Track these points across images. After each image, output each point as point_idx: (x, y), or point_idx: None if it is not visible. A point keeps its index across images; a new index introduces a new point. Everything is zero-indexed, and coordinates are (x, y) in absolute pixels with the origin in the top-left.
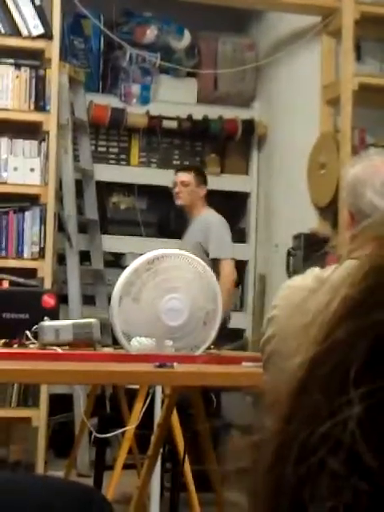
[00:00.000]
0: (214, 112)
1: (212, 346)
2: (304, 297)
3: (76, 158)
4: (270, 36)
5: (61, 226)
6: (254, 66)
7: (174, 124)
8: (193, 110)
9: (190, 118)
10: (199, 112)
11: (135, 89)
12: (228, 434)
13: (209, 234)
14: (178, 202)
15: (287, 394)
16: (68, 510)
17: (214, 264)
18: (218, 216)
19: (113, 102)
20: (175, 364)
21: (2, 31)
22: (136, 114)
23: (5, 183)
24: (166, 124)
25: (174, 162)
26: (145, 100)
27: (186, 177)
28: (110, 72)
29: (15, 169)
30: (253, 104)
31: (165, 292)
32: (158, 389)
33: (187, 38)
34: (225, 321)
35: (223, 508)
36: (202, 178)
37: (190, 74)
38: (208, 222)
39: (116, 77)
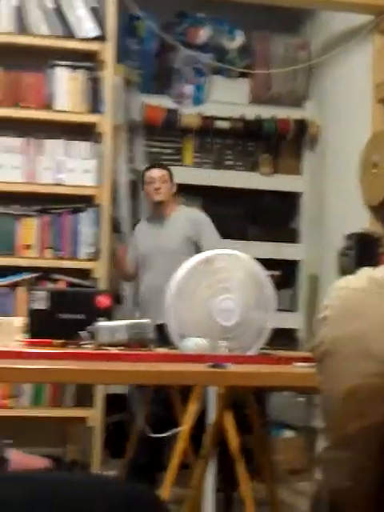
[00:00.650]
0: (266, 112)
1: (265, 346)
2: (358, 298)
3: (130, 159)
4: (322, 35)
5: (115, 227)
6: (306, 66)
7: (226, 124)
8: (245, 110)
9: (242, 118)
10: (252, 112)
11: (188, 90)
12: (279, 433)
13: (201, 229)
14: (158, 198)
15: None
16: (125, 510)
17: None
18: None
19: (166, 103)
20: (228, 364)
21: (58, 34)
22: (189, 114)
23: (60, 185)
24: (219, 124)
25: (227, 163)
26: (198, 101)
27: (162, 173)
28: (163, 73)
29: (70, 170)
30: (305, 103)
31: (218, 292)
32: (212, 389)
33: (240, 38)
34: None
35: (277, 508)
36: (172, 175)
37: (242, 75)
38: (198, 217)
39: (170, 78)
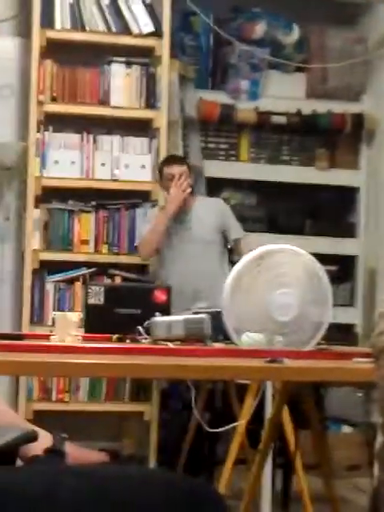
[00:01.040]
0: (322, 106)
1: (322, 342)
2: None
3: (186, 155)
4: (379, 29)
5: None
6: (363, 60)
7: (283, 119)
8: (302, 104)
9: (298, 112)
10: (308, 107)
11: (244, 85)
12: (337, 429)
13: (227, 216)
14: (187, 192)
15: None
16: (181, 505)
17: (236, 243)
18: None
19: (222, 98)
20: (286, 359)
21: (114, 30)
22: (245, 109)
23: (116, 180)
24: (275, 119)
25: (283, 158)
26: (254, 96)
27: (182, 169)
28: (219, 68)
29: (126, 166)
30: (362, 98)
31: (275, 287)
32: (269, 384)
33: (296, 32)
34: None
35: (336, 504)
36: (190, 168)
37: (298, 69)
38: (220, 205)
39: (225, 73)
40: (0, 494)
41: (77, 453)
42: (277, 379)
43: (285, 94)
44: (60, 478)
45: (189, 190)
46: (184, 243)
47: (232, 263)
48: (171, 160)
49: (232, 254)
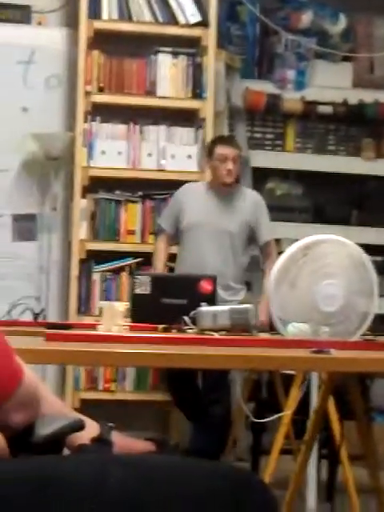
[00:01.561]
0: (369, 96)
1: (368, 332)
2: None
3: None
4: None
5: None
6: None
7: (329, 109)
8: (348, 94)
9: (345, 102)
10: (354, 96)
11: (291, 74)
12: (383, 420)
13: (261, 213)
14: (229, 180)
15: None
16: (227, 494)
17: (266, 245)
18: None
19: (268, 88)
20: (332, 350)
21: (160, 20)
22: (291, 99)
23: (163, 170)
24: (322, 109)
25: (330, 148)
26: (300, 85)
27: (235, 152)
28: (265, 58)
29: (173, 156)
30: None
31: (321, 278)
32: (315, 375)
33: (342, 21)
34: None
35: (382, 495)
36: (241, 154)
37: (345, 58)
38: (258, 201)
39: (271, 63)
40: (48, 483)
41: (123, 442)
42: (323, 370)
43: (331, 84)
44: (108, 467)
45: (230, 178)
46: (209, 230)
47: (262, 271)
48: (227, 141)
49: (261, 255)
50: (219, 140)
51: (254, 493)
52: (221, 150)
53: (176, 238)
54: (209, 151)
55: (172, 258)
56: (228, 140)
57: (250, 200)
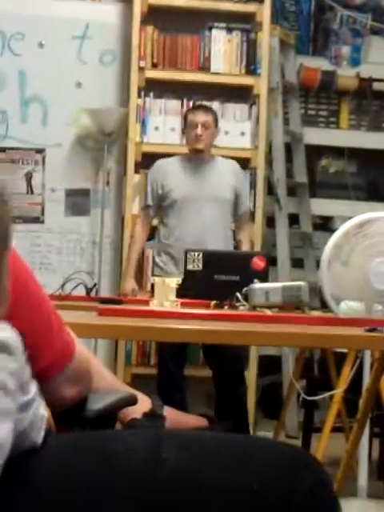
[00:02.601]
0: None
1: None
2: None
3: (286, 122)
4: None
5: (270, 190)
6: None
7: None
8: None
9: None
10: None
11: (345, 51)
12: None
13: (241, 182)
14: (199, 146)
15: None
16: (284, 471)
17: (243, 216)
18: None
19: (323, 64)
20: None
21: None
22: (346, 76)
23: (216, 147)
24: (377, 86)
25: None
26: (355, 62)
27: (206, 118)
28: (320, 34)
29: (226, 133)
30: None
31: (374, 256)
32: (367, 353)
33: None
34: None
35: None
36: (217, 120)
37: None
38: (237, 169)
39: (326, 39)
40: (109, 455)
41: (175, 417)
42: (376, 348)
43: None
44: (163, 442)
45: (200, 144)
46: (198, 201)
47: (237, 242)
48: (198, 107)
49: (235, 225)
50: (192, 108)
51: (308, 470)
52: (191, 116)
53: (159, 215)
54: (184, 121)
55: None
56: (199, 106)
57: (229, 167)
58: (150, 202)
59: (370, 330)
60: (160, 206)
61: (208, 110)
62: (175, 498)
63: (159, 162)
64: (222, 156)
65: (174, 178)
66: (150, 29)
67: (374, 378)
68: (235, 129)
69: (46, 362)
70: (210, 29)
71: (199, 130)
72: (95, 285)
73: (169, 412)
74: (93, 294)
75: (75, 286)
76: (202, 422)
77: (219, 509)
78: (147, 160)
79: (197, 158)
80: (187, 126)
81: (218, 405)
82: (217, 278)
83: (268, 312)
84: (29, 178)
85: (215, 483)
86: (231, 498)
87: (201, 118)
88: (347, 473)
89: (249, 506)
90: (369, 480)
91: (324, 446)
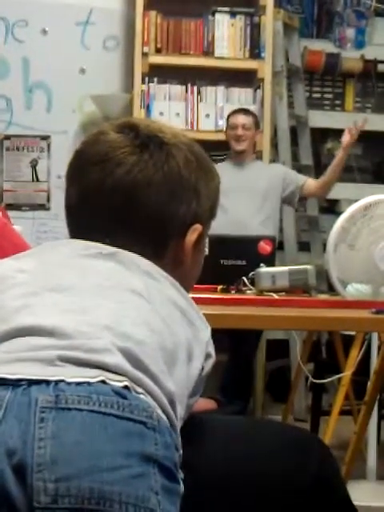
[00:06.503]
0: None
1: None
2: None
3: (290, 105)
4: None
5: None
6: None
7: None
8: None
9: None
10: None
11: (350, 33)
12: None
13: (287, 175)
14: (239, 148)
15: None
16: (290, 453)
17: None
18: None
19: (327, 47)
20: None
21: None
22: (351, 58)
23: (221, 131)
24: (382, 68)
25: None
26: (360, 44)
27: (247, 120)
28: (324, 17)
29: None
30: None
31: (381, 238)
32: (375, 335)
33: None
34: None
35: None
36: (258, 123)
37: None
38: (279, 168)
39: (330, 21)
40: None
41: None
42: (382, 331)
43: None
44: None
45: (240, 145)
46: (236, 191)
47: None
48: (238, 110)
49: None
50: (233, 111)
51: (315, 453)
52: (232, 118)
53: None
54: (226, 122)
55: None
56: (239, 109)
57: (268, 168)
58: None
59: (377, 313)
60: None
61: (248, 112)
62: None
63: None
64: (228, 141)
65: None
66: (153, 14)
67: (382, 360)
68: None
69: None
70: (214, 13)
71: (240, 131)
72: None
73: None
74: None
75: None
76: (211, 404)
77: (224, 492)
78: None
79: (237, 160)
80: (228, 128)
81: (225, 386)
82: (223, 262)
83: (275, 296)
84: (34, 165)
85: (221, 466)
86: (237, 480)
87: (241, 119)
88: (356, 455)
89: (254, 489)
90: (378, 462)
91: (332, 428)
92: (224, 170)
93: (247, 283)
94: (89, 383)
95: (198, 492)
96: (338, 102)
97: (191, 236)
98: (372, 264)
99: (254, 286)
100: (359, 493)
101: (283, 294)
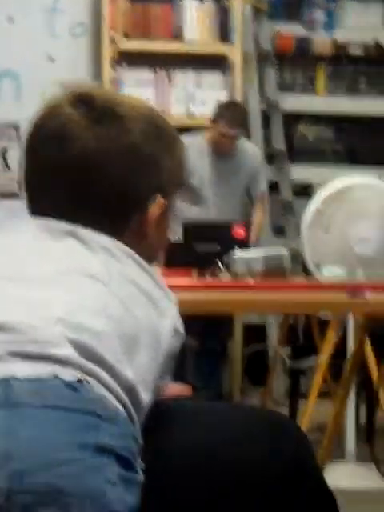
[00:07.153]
0: None
1: None
2: None
3: (261, 89)
4: None
5: None
6: None
7: (359, 50)
8: (380, 34)
9: (376, 42)
10: None
11: (320, 15)
12: None
13: (259, 165)
14: (224, 151)
15: None
16: (263, 438)
17: (262, 196)
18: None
19: (297, 30)
20: (367, 292)
21: None
22: (321, 41)
23: (192, 116)
24: (353, 50)
25: (361, 90)
26: (330, 27)
27: (235, 132)
28: None
29: (202, 102)
30: None
31: (355, 221)
32: (351, 318)
33: None
34: None
35: None
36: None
37: None
38: (256, 153)
39: (300, 4)
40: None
41: None
42: (358, 312)
43: (362, 24)
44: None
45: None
46: (216, 187)
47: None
48: (233, 122)
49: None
50: (227, 118)
51: (290, 437)
52: (224, 129)
53: None
54: (215, 115)
55: None
56: (233, 121)
57: (247, 152)
58: None
59: (351, 295)
60: None
61: (240, 122)
62: (150, 466)
63: (186, 140)
64: (198, 126)
65: (194, 164)
66: None
67: (358, 342)
68: (211, 98)
69: None
70: None
71: (229, 141)
72: None
73: None
74: None
75: None
76: (184, 390)
77: (199, 478)
78: None
79: (220, 150)
80: (218, 126)
81: (199, 371)
82: (198, 247)
83: (251, 281)
84: (3, 153)
85: (195, 452)
86: (212, 466)
87: (232, 132)
88: (334, 437)
89: (232, 475)
90: (357, 444)
91: (310, 411)
92: (203, 157)
93: (222, 268)
94: (40, 378)
95: (170, 479)
96: (309, 85)
97: (154, 209)
98: (347, 247)
99: (229, 271)
100: (338, 475)
101: (258, 278)
